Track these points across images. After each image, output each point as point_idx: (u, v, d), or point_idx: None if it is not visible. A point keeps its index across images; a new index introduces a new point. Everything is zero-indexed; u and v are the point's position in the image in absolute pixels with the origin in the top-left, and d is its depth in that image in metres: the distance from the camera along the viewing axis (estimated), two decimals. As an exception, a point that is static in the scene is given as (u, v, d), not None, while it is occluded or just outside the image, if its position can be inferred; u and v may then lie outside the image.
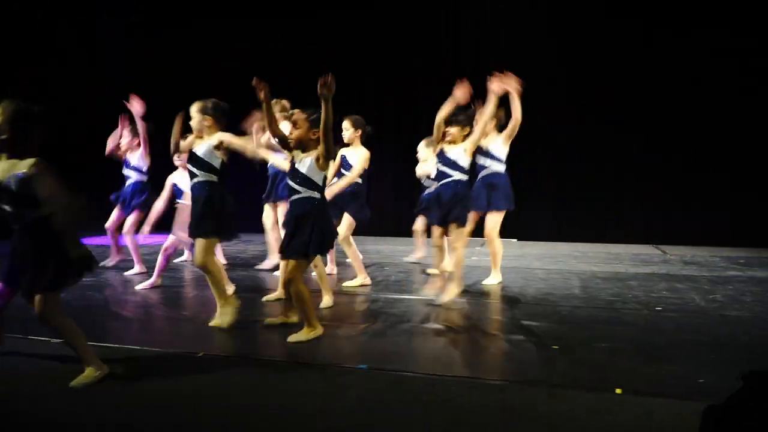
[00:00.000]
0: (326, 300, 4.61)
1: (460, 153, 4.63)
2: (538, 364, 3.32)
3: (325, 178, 3.83)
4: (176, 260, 6.72)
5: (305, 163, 3.76)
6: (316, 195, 3.75)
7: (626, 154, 8.65)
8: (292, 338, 3.70)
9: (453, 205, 4.55)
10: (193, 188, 4.12)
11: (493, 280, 5.59)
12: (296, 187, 3.75)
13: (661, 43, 8.38)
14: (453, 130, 4.63)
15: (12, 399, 2.83)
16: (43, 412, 2.68)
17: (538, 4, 9.01)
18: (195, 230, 4.02)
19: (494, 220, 5.39)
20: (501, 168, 5.43)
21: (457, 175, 4.61)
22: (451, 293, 4.64)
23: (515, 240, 8.63)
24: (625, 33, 8.49)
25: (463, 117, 4.67)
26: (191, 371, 3.19)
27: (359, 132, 5.39)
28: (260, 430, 2.51)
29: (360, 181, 5.39)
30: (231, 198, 4.15)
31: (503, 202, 5.38)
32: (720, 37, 8.00)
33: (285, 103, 5.94)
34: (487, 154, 5.41)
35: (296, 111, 3.95)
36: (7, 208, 2.87)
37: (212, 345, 3.65)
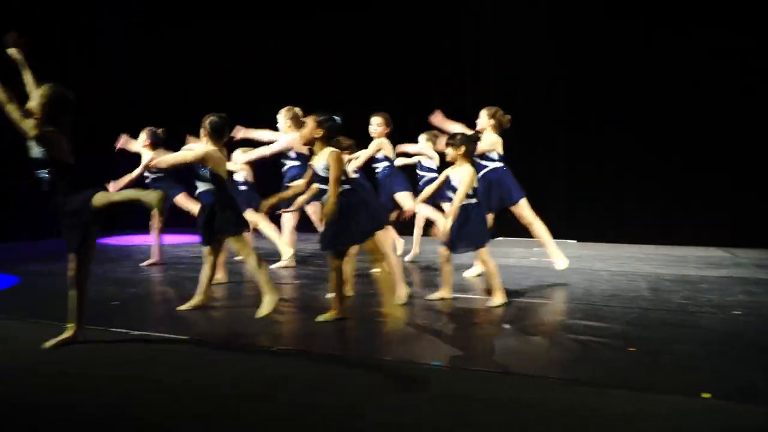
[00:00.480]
0: (400, 294, 4.64)
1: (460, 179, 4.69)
2: (616, 366, 3.26)
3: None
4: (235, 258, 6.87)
5: (320, 165, 4.01)
6: (343, 188, 4.00)
7: (676, 156, 8.39)
8: (320, 318, 4.10)
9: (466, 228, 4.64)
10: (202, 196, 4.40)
11: (561, 265, 5.62)
12: (323, 187, 4.03)
13: (661, 43, 8.36)
14: (449, 151, 4.72)
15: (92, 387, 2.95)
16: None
17: (538, 3, 9.00)
18: (221, 233, 4.32)
19: (523, 210, 5.53)
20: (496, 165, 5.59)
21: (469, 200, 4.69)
22: (498, 297, 4.64)
23: (574, 241, 8.42)
24: (625, 33, 8.47)
25: (458, 138, 4.75)
26: (262, 364, 3.29)
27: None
28: (330, 425, 2.51)
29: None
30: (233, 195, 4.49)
31: (516, 193, 5.54)
32: (720, 37, 7.99)
33: (297, 110, 6.06)
34: (483, 157, 5.56)
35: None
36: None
37: (293, 340, 3.88)
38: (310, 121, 4.05)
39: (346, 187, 4.01)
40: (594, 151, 8.71)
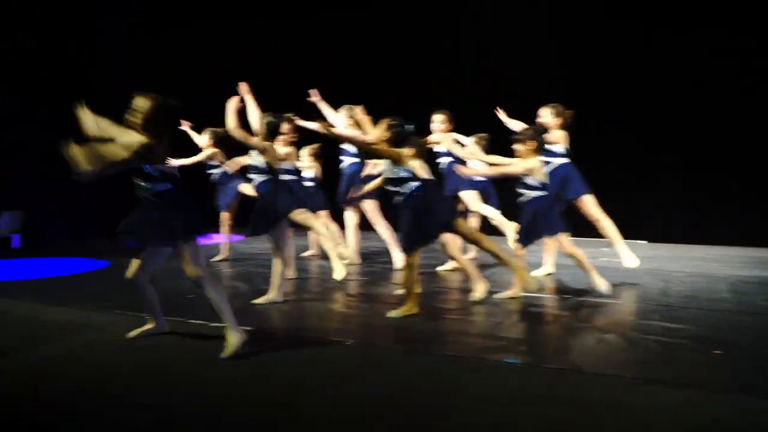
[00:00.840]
0: (480, 289, 4.72)
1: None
2: (697, 367, 3.18)
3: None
4: (303, 254, 7.00)
5: (396, 169, 4.28)
6: (412, 185, 4.23)
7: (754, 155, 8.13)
8: (392, 314, 4.22)
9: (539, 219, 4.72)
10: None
11: (631, 263, 5.55)
12: (396, 189, 4.29)
13: (661, 43, 8.34)
14: (518, 147, 4.76)
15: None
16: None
17: (538, 3, 8.99)
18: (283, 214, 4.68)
19: (589, 207, 5.52)
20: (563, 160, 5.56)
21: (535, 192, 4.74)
22: (601, 283, 4.87)
23: (645, 242, 8.27)
24: (626, 33, 8.46)
25: (526, 133, 4.81)
26: (349, 358, 3.35)
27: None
28: (405, 424, 2.50)
29: None
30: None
31: (582, 189, 5.53)
32: (720, 37, 7.99)
33: (358, 109, 5.99)
34: (549, 153, 5.50)
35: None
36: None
37: (371, 335, 3.90)
38: (382, 125, 4.30)
39: (417, 186, 4.22)
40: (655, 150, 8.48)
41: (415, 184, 4.22)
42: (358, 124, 5.52)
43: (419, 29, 9.38)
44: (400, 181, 4.25)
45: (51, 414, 2.62)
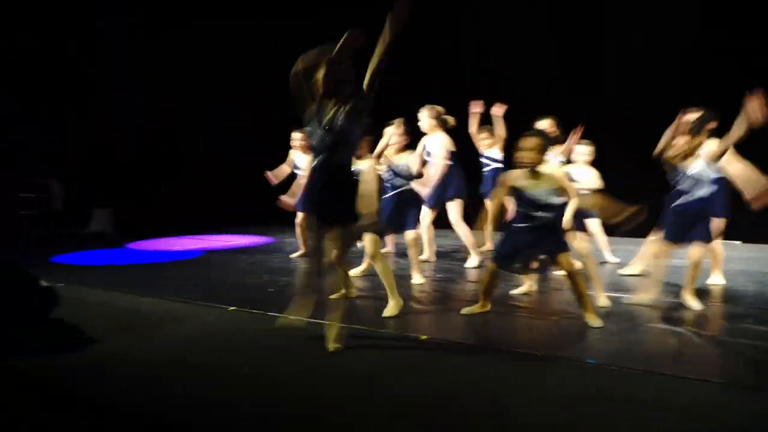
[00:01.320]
0: (601, 300, 4.52)
1: (703, 166, 4.31)
2: None
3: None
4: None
5: (542, 191, 3.95)
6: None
7: None
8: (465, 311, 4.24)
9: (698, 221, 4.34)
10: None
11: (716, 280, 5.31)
12: (540, 214, 3.94)
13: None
14: (682, 142, 4.34)
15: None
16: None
17: (538, 4, 8.97)
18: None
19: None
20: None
21: (703, 191, 4.31)
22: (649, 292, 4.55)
23: (738, 242, 7.95)
24: (626, 32, 8.42)
25: (695, 124, 4.34)
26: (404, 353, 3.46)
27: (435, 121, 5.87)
28: (479, 425, 2.49)
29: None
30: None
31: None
32: (721, 37, 7.97)
33: (440, 109, 6.07)
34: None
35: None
36: None
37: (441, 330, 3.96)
38: (532, 143, 3.95)
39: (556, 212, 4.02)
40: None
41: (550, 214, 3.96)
42: (442, 124, 5.86)
43: (419, 29, 9.31)
44: (548, 208, 3.94)
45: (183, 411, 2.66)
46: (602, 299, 4.48)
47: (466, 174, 6.44)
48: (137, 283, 5.43)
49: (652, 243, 5.02)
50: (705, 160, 4.30)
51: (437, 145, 5.93)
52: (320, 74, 3.32)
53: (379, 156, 4.79)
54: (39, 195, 9.18)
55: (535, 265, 4.07)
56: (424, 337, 3.68)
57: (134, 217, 9.42)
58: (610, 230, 5.99)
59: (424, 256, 6.27)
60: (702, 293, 4.77)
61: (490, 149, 6.85)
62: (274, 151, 7.40)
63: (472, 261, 6.18)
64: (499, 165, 6.71)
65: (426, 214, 6.03)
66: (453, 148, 6.05)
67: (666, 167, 4.46)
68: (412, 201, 5.30)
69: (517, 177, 3.97)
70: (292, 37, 9.82)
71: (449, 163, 6.00)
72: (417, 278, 5.29)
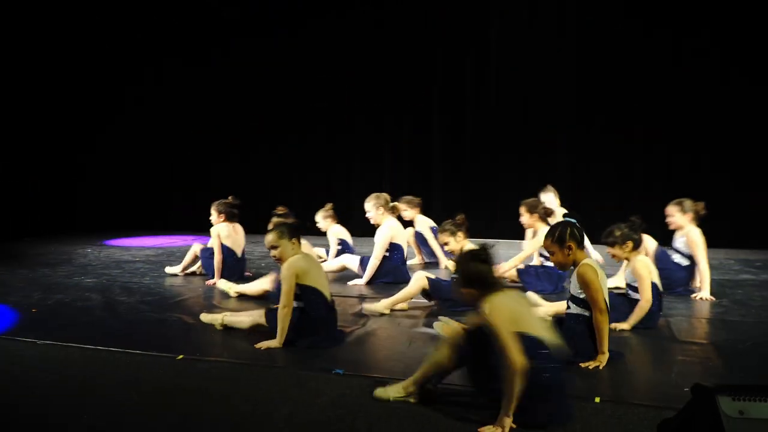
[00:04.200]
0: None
1: None
2: None
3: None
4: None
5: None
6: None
7: None
8: None
9: None
10: None
11: None
12: (575, 311, 3.41)
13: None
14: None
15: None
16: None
17: (539, 9, 8.82)
18: None
19: None
20: None
21: None
22: None
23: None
24: (628, 33, 8.30)
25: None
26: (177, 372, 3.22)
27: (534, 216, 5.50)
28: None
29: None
30: None
31: None
32: (721, 37, 7.83)
33: (386, 197, 5.98)
34: None
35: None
36: None
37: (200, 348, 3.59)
38: (553, 248, 3.41)
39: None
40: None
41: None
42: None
43: (419, 32, 9.20)
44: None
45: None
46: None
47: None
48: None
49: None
50: None
51: (378, 236, 5.84)
52: None
53: None
54: None
55: None
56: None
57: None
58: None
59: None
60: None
61: None
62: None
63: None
64: None
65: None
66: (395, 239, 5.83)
67: None
68: None
69: None
70: (292, 50, 9.71)
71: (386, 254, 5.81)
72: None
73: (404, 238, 6.02)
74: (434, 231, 6.40)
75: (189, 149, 10.15)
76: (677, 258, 5.30)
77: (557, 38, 8.65)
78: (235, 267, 5.80)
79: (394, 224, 5.90)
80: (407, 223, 6.62)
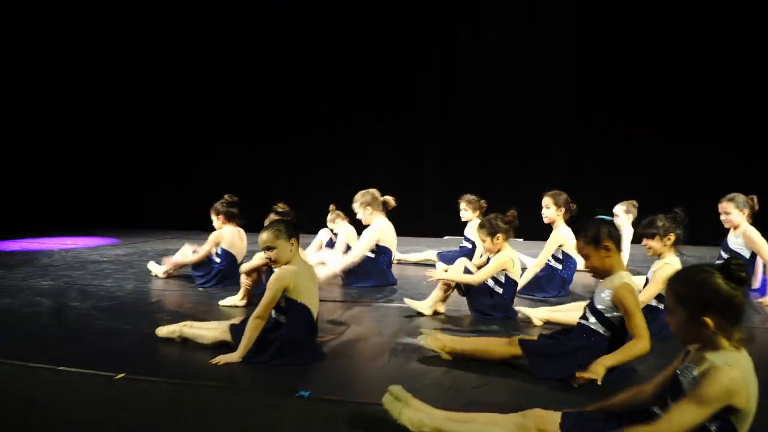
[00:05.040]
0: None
1: None
2: None
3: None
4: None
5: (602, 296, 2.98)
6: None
7: None
8: None
9: None
10: None
11: None
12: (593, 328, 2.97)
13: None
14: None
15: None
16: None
17: (539, 9, 8.64)
18: None
19: None
20: None
21: None
22: None
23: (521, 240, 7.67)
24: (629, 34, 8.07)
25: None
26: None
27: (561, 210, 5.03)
28: None
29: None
30: None
31: None
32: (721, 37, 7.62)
33: (374, 192, 5.41)
34: None
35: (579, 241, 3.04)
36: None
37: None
38: (589, 251, 2.94)
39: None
40: None
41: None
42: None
43: (416, 33, 9.03)
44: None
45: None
46: None
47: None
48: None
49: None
50: None
51: (363, 234, 5.37)
52: None
53: None
54: None
55: None
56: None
57: None
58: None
59: None
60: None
61: None
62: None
63: None
64: None
65: None
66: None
67: None
68: None
69: None
70: (288, 52, 9.51)
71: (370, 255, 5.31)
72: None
73: (394, 239, 5.48)
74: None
75: (189, 149, 9.88)
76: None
77: (557, 38, 8.51)
78: (231, 273, 5.16)
79: (384, 224, 5.36)
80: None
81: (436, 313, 4.24)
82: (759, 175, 7.73)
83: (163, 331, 3.60)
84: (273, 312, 3.24)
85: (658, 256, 3.78)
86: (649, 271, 3.86)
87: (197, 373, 3.01)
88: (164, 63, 9.85)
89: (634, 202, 5.75)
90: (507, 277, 4.16)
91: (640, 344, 2.74)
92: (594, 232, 2.92)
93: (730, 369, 1.82)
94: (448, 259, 5.89)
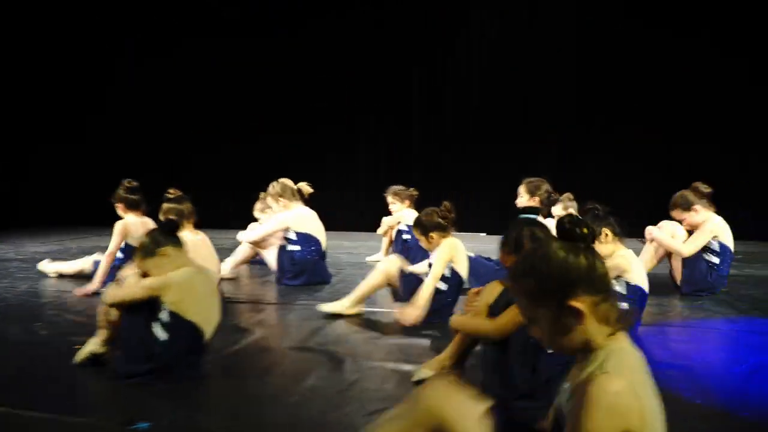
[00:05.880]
0: None
1: None
2: None
3: None
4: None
5: None
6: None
7: None
8: None
9: None
10: None
11: None
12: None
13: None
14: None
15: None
16: None
17: (539, 8, 8.64)
18: None
19: None
20: None
21: None
22: None
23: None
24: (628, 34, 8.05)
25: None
26: None
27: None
28: None
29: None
30: None
31: None
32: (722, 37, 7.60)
33: (285, 182, 5.18)
34: None
35: None
36: None
37: None
38: None
39: None
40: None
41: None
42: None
43: (416, 35, 9.01)
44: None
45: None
46: None
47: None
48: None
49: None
50: None
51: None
52: None
53: None
54: None
55: None
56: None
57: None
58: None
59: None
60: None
61: None
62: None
63: None
64: None
65: None
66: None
67: None
68: None
69: None
70: (284, 53, 9.53)
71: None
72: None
73: (319, 228, 5.03)
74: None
75: (188, 149, 9.82)
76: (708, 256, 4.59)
77: (557, 38, 8.50)
78: None
79: (303, 211, 5.02)
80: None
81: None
82: (759, 175, 7.76)
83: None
84: (152, 325, 2.72)
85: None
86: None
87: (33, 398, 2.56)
88: (164, 63, 9.81)
89: (570, 195, 5.29)
90: (453, 270, 3.78)
91: (491, 325, 2.34)
92: (515, 235, 2.49)
93: (610, 380, 1.27)
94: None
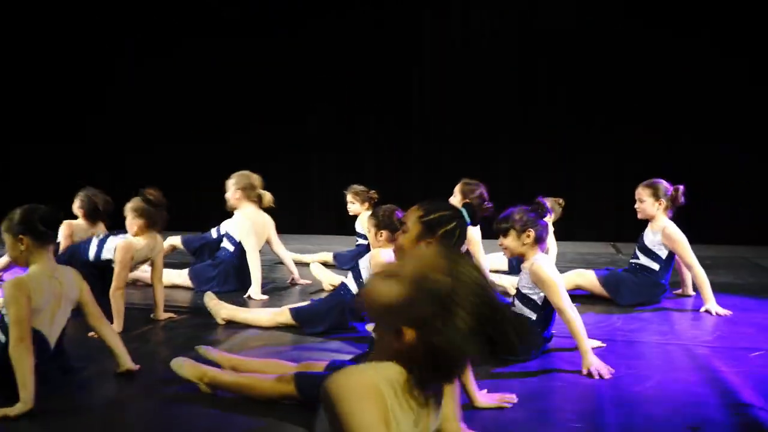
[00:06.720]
0: None
1: None
2: None
3: None
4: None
5: None
6: None
7: None
8: None
9: None
10: None
11: None
12: None
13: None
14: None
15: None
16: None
17: (539, 8, 8.66)
18: None
19: None
20: None
21: None
22: None
23: None
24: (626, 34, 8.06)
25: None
26: None
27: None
28: None
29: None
30: None
31: None
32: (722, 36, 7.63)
33: (253, 178, 5.10)
34: None
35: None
36: None
37: None
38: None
39: None
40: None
41: None
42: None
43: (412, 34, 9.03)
44: None
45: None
46: None
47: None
48: None
49: None
50: None
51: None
52: None
53: None
54: None
55: None
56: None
57: None
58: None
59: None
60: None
61: None
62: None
63: None
64: None
65: None
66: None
67: None
68: None
69: None
70: (281, 53, 9.56)
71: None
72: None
73: (261, 234, 4.91)
74: None
75: (189, 149, 9.77)
76: (645, 261, 4.32)
77: (557, 38, 8.47)
78: None
79: (254, 215, 4.88)
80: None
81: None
82: (759, 175, 7.76)
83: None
84: None
85: (521, 259, 3.32)
86: (518, 281, 3.34)
87: None
88: (164, 63, 9.81)
89: (560, 200, 5.29)
90: None
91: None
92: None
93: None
94: (345, 259, 5.59)
